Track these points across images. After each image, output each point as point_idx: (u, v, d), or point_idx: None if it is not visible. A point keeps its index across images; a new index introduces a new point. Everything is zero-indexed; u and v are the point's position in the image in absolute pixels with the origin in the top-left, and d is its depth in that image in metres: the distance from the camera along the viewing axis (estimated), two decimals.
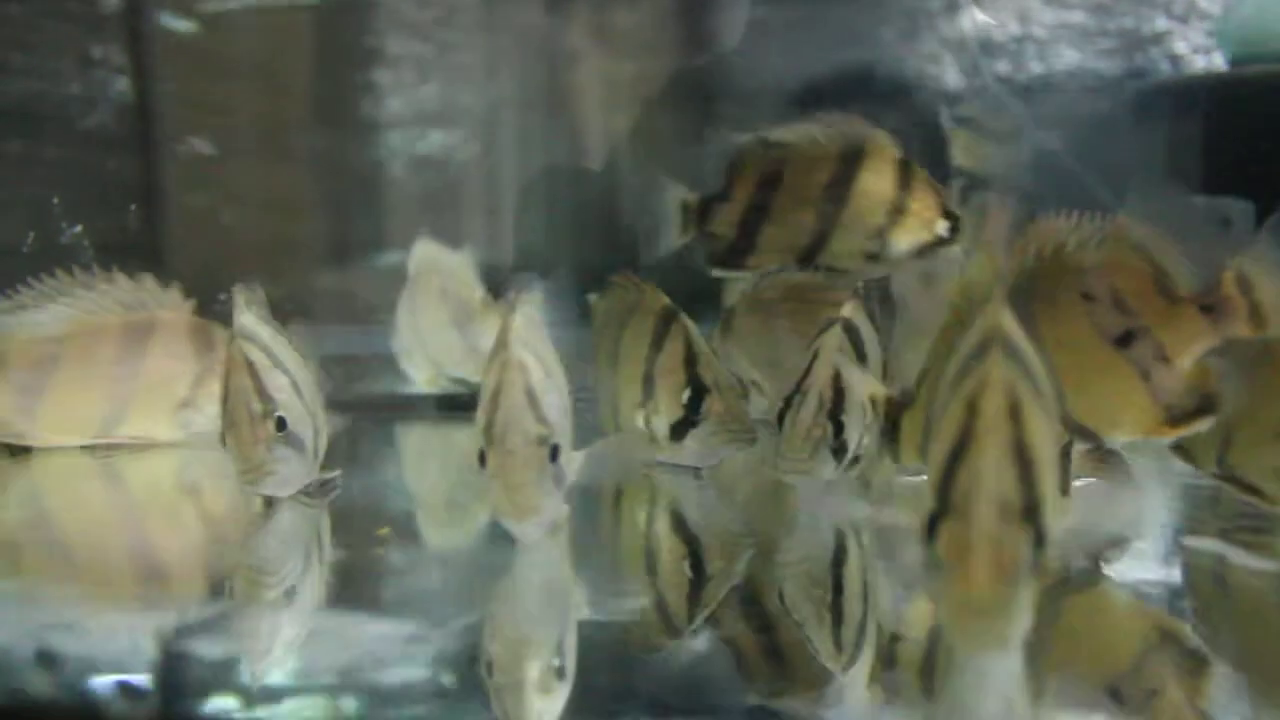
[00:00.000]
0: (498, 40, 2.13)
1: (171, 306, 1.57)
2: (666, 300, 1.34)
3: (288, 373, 1.20)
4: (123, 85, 1.99)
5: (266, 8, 2.11)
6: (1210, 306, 1.12)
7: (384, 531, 1.22)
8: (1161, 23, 2.26)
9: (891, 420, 1.18)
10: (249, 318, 1.21)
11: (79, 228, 1.81)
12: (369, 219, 2.11)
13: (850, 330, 1.21)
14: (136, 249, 1.95)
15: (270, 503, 1.20)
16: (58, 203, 1.80)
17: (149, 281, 1.56)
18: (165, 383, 1.55)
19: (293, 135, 2.10)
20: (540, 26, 2.12)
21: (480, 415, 1.04)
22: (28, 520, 1.33)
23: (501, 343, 1.06)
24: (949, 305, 1.11)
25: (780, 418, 1.19)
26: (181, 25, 2.08)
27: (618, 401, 1.36)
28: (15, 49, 1.92)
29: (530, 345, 1.07)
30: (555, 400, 1.06)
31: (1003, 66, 2.24)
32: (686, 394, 1.28)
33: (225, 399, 1.18)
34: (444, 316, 1.84)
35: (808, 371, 1.18)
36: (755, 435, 1.31)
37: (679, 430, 1.30)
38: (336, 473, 1.25)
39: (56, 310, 1.54)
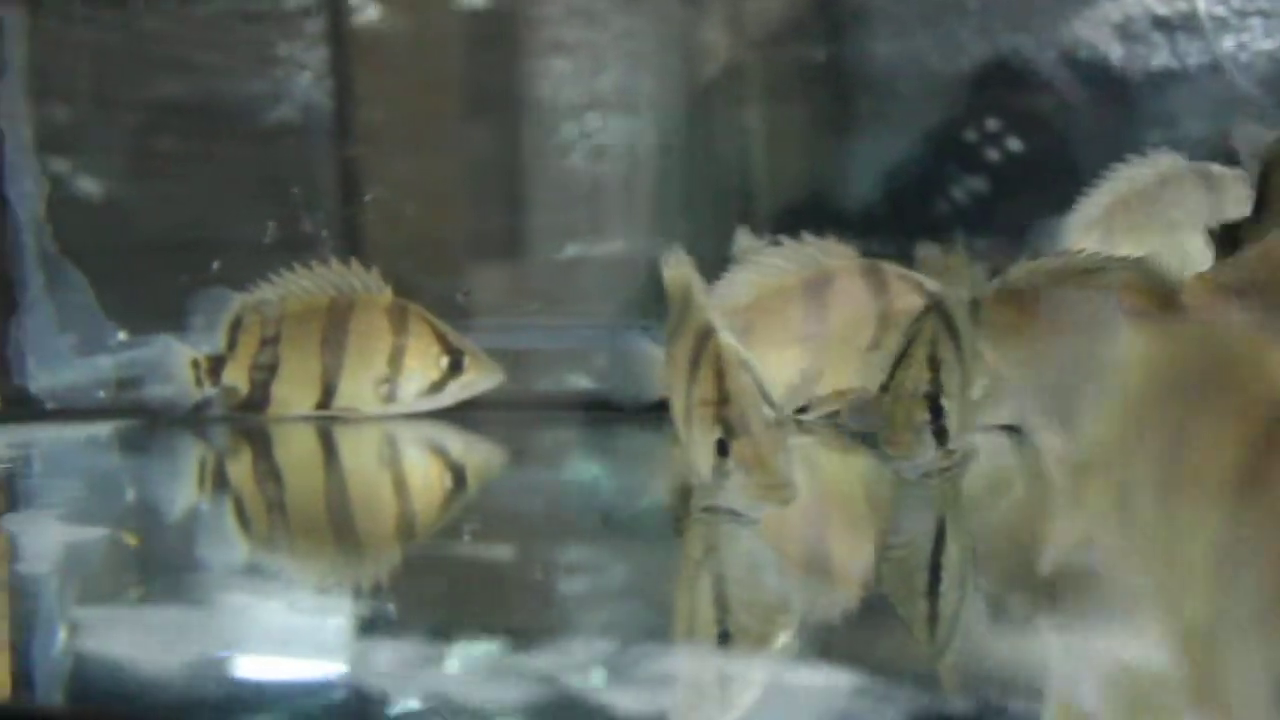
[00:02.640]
0: (675, 26, 2.14)
1: (372, 289, 1.67)
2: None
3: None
4: (322, 83, 2.09)
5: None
6: None
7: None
8: None
9: None
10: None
11: (311, 218, 1.92)
12: (551, 211, 2.14)
13: (944, 313, 1.18)
14: (338, 242, 2.04)
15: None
16: (296, 192, 1.91)
17: (355, 266, 1.68)
18: (365, 359, 1.65)
19: (473, 126, 2.16)
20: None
21: (698, 406, 1.03)
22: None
23: (703, 327, 1.06)
24: None
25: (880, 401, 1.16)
26: (375, 19, 2.16)
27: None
28: (218, 49, 2.06)
29: (727, 328, 1.07)
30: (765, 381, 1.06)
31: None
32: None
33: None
34: None
35: (903, 355, 1.16)
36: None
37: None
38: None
39: (276, 292, 1.69)
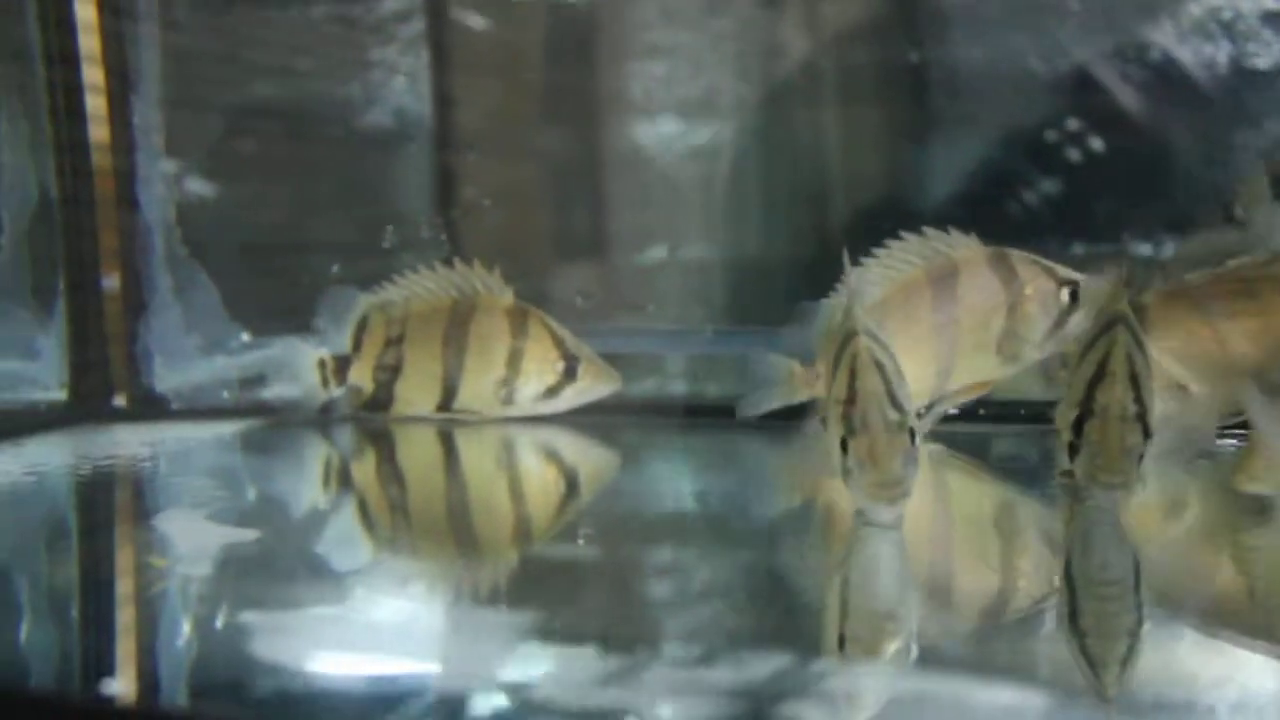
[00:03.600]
0: (759, 32, 2.14)
1: (494, 290, 1.69)
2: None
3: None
4: (422, 88, 2.11)
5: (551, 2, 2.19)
6: None
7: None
8: None
9: None
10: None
11: (427, 222, 1.95)
12: (634, 212, 2.14)
13: (1131, 326, 1.11)
14: (438, 244, 2.06)
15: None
16: (418, 203, 1.94)
17: (477, 267, 1.70)
18: (485, 361, 1.66)
19: (562, 128, 2.17)
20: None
21: (833, 405, 1.07)
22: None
23: (849, 330, 1.10)
24: None
25: (1078, 429, 1.08)
26: (475, 22, 2.18)
27: None
28: (312, 54, 2.09)
29: (874, 332, 1.10)
30: (905, 386, 1.08)
31: None
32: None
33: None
34: None
35: (1101, 374, 1.08)
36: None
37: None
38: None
39: (400, 293, 1.71)
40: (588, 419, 1.67)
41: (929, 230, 1.49)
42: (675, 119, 2.11)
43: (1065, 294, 1.45)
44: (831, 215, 2.04)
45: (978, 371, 1.47)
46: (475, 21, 2.17)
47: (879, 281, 1.47)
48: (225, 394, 1.84)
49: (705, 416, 1.70)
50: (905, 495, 1.04)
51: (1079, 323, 1.43)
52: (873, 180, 2.07)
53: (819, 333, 1.40)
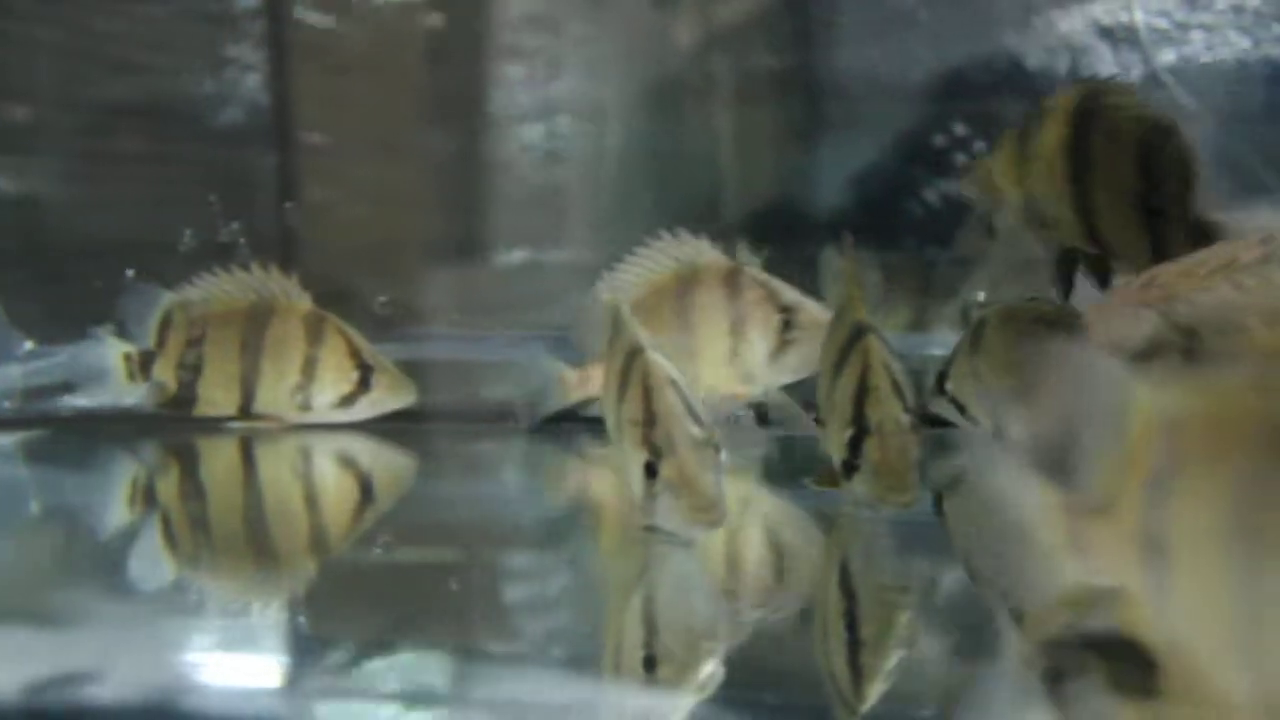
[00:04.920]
0: (612, 33, 2.13)
1: (292, 295, 1.66)
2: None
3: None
4: (257, 83, 2.06)
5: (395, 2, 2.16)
6: None
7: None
8: None
9: None
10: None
11: (235, 224, 1.91)
12: (491, 216, 2.12)
13: (882, 338, 1.11)
14: (272, 245, 2.01)
15: None
16: (214, 201, 1.89)
17: (275, 272, 1.67)
18: (280, 366, 1.64)
19: (413, 130, 2.14)
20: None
21: (628, 426, 1.03)
22: None
23: (633, 346, 1.06)
24: None
25: (854, 448, 1.07)
26: (318, 20, 2.13)
27: None
28: (155, 49, 2.03)
29: (658, 346, 1.07)
30: (698, 399, 1.04)
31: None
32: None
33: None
34: None
35: (865, 388, 1.07)
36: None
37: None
38: None
39: (199, 293, 1.68)
40: (394, 425, 1.65)
41: (681, 234, 1.49)
42: (528, 121, 2.09)
43: (779, 320, 1.45)
44: (699, 217, 2.04)
45: (722, 385, 1.46)
46: (318, 19, 2.12)
47: (634, 284, 1.47)
48: (6, 404, 1.76)
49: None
50: (724, 515, 1.00)
51: (801, 358, 1.43)
52: (744, 184, 2.08)
53: (582, 329, 1.36)
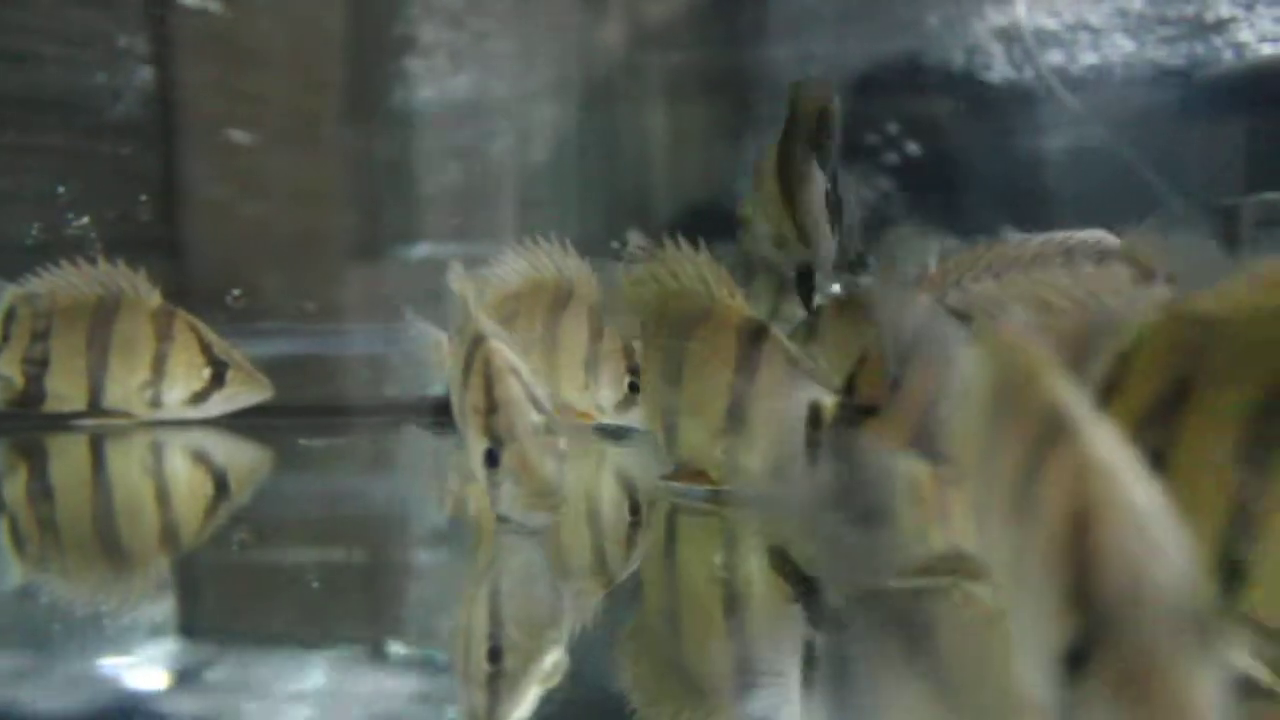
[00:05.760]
0: (532, 30, 2.12)
1: (140, 290, 1.63)
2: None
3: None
4: (144, 73, 2.02)
5: None
6: None
7: None
8: (1225, 9, 2.15)
9: None
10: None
11: (86, 219, 1.87)
12: (397, 211, 2.10)
13: (496, 334, 1.09)
14: (154, 241, 1.98)
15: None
16: (63, 192, 1.85)
17: (122, 266, 1.63)
18: (128, 362, 1.61)
19: (319, 125, 2.11)
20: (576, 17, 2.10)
21: (471, 414, 1.03)
22: None
23: (475, 334, 1.06)
24: None
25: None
26: (207, 6, 2.09)
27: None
28: (36, 36, 1.98)
29: (502, 335, 1.07)
30: (541, 387, 1.05)
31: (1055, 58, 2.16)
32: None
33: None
34: None
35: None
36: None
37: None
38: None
39: (44, 286, 1.64)
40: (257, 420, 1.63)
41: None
42: (433, 117, 2.07)
43: (629, 381, 1.46)
44: (627, 213, 2.03)
45: (577, 402, 1.49)
46: (210, 5, 2.07)
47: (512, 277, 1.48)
48: None
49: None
50: (562, 502, 1.02)
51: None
52: (672, 181, 2.07)
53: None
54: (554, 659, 0.81)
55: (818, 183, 1.27)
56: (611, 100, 2.09)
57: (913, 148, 2.07)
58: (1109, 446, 0.51)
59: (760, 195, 1.33)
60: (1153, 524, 0.47)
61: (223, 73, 2.07)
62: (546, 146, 2.12)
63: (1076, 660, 0.46)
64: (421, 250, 2.08)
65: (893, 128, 2.05)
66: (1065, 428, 0.52)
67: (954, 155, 2.11)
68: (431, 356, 1.41)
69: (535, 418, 1.01)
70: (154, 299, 1.62)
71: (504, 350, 1.05)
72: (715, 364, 1.10)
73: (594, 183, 2.07)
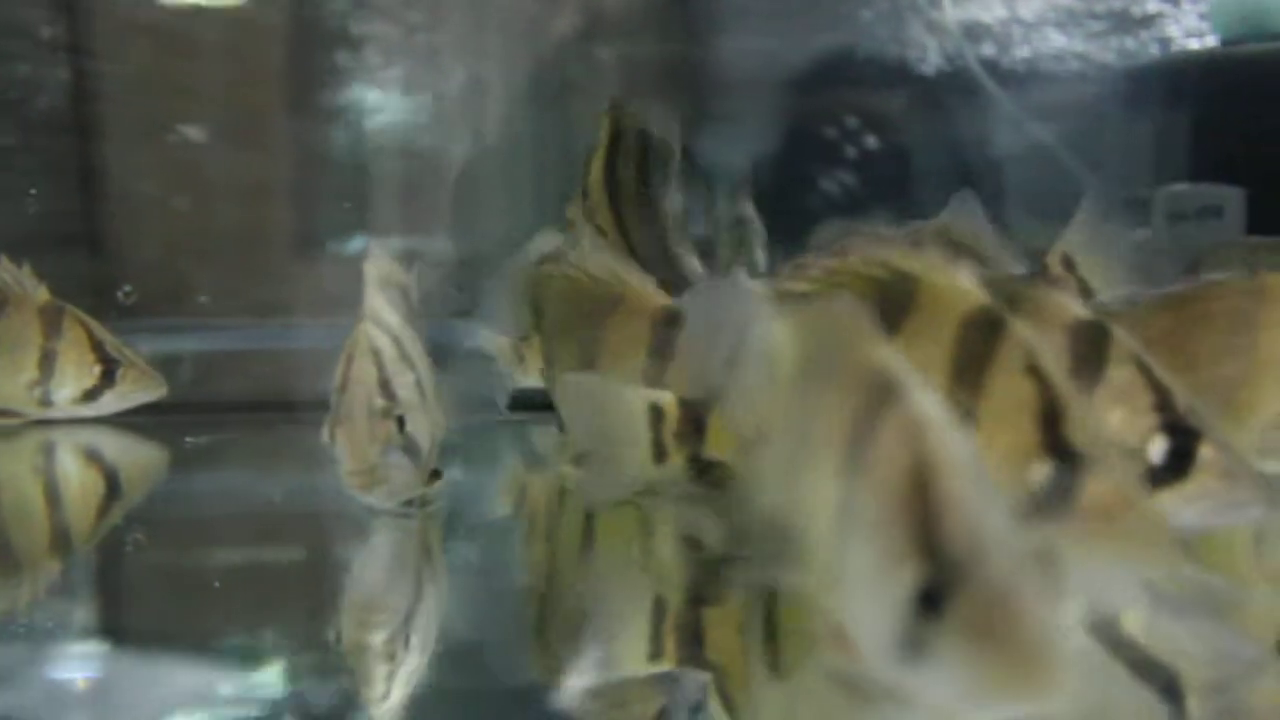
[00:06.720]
0: (475, 23, 2.10)
1: (26, 287, 1.59)
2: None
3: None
4: (67, 65, 1.99)
5: None
6: None
7: None
8: (1152, 4, 2.15)
9: None
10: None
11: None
12: (332, 207, 2.08)
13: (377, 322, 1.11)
14: (72, 237, 1.95)
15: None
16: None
17: (5, 262, 1.59)
18: (14, 360, 1.57)
19: (252, 119, 2.09)
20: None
21: (334, 393, 1.06)
22: None
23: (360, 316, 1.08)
24: None
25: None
26: None
27: None
28: None
29: (384, 319, 1.08)
30: (409, 375, 1.06)
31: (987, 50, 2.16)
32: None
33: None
34: None
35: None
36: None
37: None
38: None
39: None
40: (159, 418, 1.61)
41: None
42: (349, 111, 2.05)
43: None
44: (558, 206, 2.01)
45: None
46: None
47: None
48: None
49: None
50: (380, 484, 1.04)
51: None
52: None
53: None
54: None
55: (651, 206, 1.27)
56: (560, 93, 2.07)
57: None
58: (935, 406, 0.57)
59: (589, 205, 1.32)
60: (978, 474, 0.54)
61: (154, 64, 2.04)
62: (493, 140, 2.10)
63: (929, 601, 0.51)
64: (361, 245, 2.05)
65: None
66: (895, 390, 0.57)
67: (888, 149, 2.10)
68: (502, 358, 1.44)
69: (378, 401, 1.03)
70: (41, 295, 1.59)
71: (375, 334, 1.06)
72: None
73: (540, 176, 2.05)
